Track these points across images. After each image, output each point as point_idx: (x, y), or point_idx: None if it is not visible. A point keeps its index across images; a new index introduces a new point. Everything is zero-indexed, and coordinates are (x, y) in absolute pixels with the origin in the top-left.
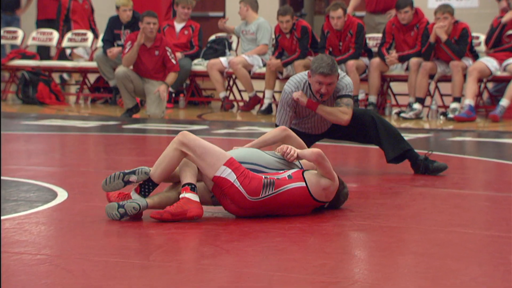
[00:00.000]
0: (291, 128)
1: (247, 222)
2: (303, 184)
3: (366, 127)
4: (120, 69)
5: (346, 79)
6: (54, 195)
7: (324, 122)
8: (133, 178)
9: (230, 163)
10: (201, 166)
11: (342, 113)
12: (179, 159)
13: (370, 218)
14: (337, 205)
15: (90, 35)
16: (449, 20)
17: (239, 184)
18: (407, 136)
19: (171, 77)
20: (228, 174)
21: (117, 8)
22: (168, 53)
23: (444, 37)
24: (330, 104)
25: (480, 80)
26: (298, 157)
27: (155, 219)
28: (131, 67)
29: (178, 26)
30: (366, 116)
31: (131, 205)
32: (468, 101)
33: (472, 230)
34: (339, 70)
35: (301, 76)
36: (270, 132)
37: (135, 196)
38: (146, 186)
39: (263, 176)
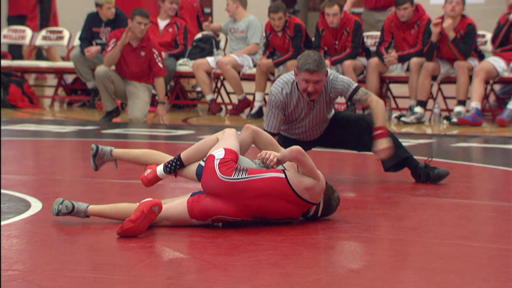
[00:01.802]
0: (280, 135)
1: (236, 234)
2: (282, 175)
3: (361, 133)
4: (101, 68)
5: (341, 78)
6: (27, 205)
7: (316, 127)
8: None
9: (229, 151)
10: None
11: (378, 103)
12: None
13: (368, 230)
14: (330, 211)
15: (66, 33)
16: (460, 7)
17: (217, 163)
18: (407, 142)
19: (161, 86)
20: (217, 152)
21: (99, 5)
22: (155, 56)
23: (451, 35)
24: (324, 109)
25: (486, 82)
26: (279, 162)
27: (126, 235)
28: (113, 67)
29: (162, 23)
30: (362, 122)
31: (66, 204)
32: (475, 104)
33: (477, 243)
34: (329, 71)
35: (288, 76)
36: (285, 153)
37: (160, 171)
38: (174, 164)
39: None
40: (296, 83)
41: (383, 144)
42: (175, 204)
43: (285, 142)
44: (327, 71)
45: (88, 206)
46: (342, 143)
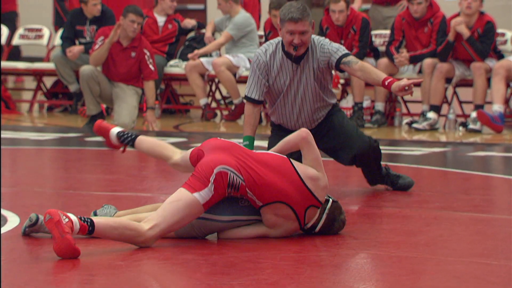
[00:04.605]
0: (273, 127)
1: (232, 251)
2: (285, 158)
3: (352, 149)
4: (86, 68)
5: (331, 43)
6: (4, 220)
7: (308, 111)
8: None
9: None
10: None
11: (369, 65)
12: None
13: (376, 247)
14: (330, 230)
15: (46, 31)
16: (476, 4)
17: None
18: (419, 151)
19: (151, 90)
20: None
21: (83, 2)
22: (146, 57)
23: (466, 33)
24: (312, 79)
25: (507, 84)
26: (283, 148)
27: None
28: (99, 67)
29: (161, 19)
30: (362, 141)
31: (30, 216)
32: (498, 106)
33: (496, 261)
34: (321, 39)
35: (275, 39)
36: (292, 134)
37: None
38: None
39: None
40: (282, 44)
41: (400, 83)
42: (172, 198)
43: (277, 135)
44: (313, 22)
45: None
46: (333, 149)
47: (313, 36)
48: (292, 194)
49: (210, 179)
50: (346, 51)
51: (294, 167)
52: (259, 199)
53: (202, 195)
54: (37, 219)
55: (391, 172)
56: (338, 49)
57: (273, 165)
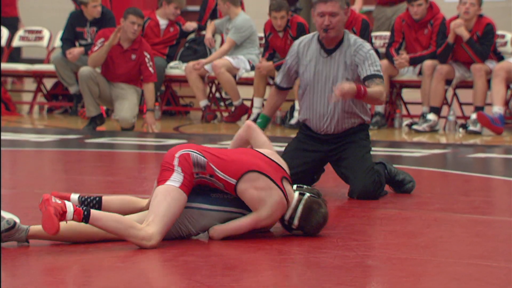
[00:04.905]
0: (300, 129)
1: (232, 253)
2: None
3: (355, 190)
4: (85, 69)
5: (372, 54)
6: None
7: (333, 108)
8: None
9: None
10: None
11: (379, 88)
12: None
13: (376, 248)
14: (309, 224)
15: (46, 33)
16: (475, 8)
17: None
18: (419, 153)
19: (151, 92)
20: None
21: (83, 3)
22: (147, 60)
23: (466, 35)
24: (341, 74)
25: (507, 86)
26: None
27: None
28: (98, 68)
29: (163, 22)
30: (366, 184)
31: (8, 219)
32: (498, 108)
33: (496, 263)
34: (362, 42)
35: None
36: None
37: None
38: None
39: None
40: (318, 36)
41: (345, 85)
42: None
43: (297, 140)
44: (348, 8)
45: (29, 227)
46: (342, 174)
47: (355, 36)
48: (261, 165)
49: (174, 164)
50: (376, 73)
51: (253, 149)
52: (230, 175)
53: (174, 180)
54: (15, 223)
55: (394, 178)
56: (372, 64)
57: (232, 150)
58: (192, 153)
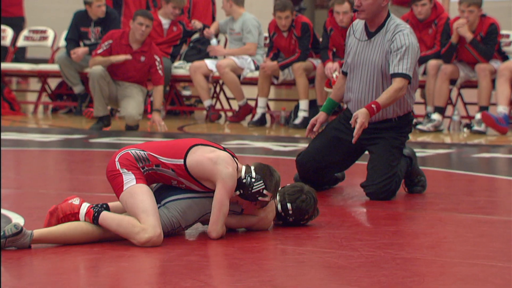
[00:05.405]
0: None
1: (236, 253)
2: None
3: (371, 185)
4: (97, 68)
5: (405, 35)
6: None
7: (368, 90)
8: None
9: None
10: None
11: (396, 87)
12: None
13: (380, 248)
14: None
15: (50, 33)
16: (475, 13)
17: None
18: (424, 153)
19: (160, 94)
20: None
21: (88, 3)
22: (157, 63)
23: (469, 36)
24: (379, 57)
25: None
26: None
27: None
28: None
29: (165, 21)
30: (384, 184)
31: (15, 223)
32: (502, 108)
33: (501, 263)
34: (403, 29)
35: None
36: None
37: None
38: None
39: None
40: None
41: (360, 113)
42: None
43: (336, 129)
44: None
45: (33, 232)
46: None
47: (399, 21)
48: (202, 141)
49: (118, 168)
50: (403, 72)
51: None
52: (176, 157)
53: (128, 181)
54: (22, 229)
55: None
56: (402, 59)
57: (172, 140)
58: (130, 151)
